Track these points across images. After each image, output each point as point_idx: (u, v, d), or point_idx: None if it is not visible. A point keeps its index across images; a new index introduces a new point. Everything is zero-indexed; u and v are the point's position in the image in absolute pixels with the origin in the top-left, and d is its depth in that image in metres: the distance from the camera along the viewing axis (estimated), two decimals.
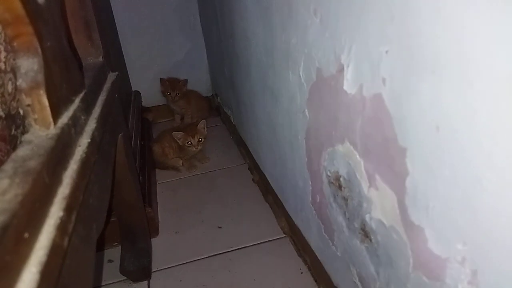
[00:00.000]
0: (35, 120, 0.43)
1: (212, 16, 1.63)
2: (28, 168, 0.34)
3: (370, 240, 0.63)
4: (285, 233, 1.15)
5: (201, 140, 1.53)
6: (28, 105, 0.43)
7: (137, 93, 1.96)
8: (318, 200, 0.85)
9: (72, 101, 0.54)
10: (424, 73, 0.42)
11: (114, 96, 0.85)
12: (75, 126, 0.50)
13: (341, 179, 0.70)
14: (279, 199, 1.18)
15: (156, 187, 1.47)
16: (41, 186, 0.33)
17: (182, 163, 1.58)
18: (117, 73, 0.93)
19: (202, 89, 2.13)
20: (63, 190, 0.37)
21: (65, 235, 0.33)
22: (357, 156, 0.61)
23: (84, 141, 0.50)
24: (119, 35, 1.82)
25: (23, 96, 0.43)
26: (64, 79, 0.52)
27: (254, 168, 1.45)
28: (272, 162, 1.20)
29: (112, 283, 1.02)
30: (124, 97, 1.51)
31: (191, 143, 1.51)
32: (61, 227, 0.32)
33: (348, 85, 0.58)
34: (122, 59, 1.79)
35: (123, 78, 1.66)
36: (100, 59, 0.88)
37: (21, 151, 0.37)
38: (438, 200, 0.45)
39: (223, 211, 1.29)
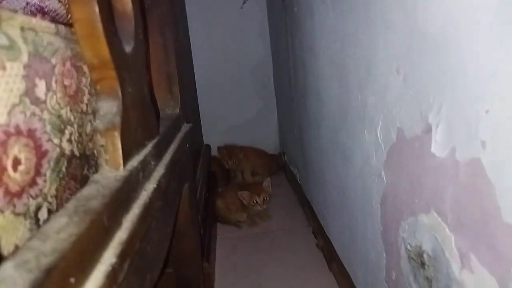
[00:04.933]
0: (106, 161, 0.43)
1: (286, 76, 1.67)
2: (89, 207, 0.32)
3: None
4: None
5: (267, 199, 1.50)
6: (102, 146, 0.43)
7: (208, 146, 2.02)
8: (393, 278, 0.74)
9: (144, 146, 0.54)
10: None
11: (186, 146, 0.86)
12: (143, 170, 0.50)
13: (425, 255, 0.60)
14: (345, 269, 1.07)
15: (215, 242, 1.43)
16: (99, 227, 0.31)
17: (246, 217, 1.55)
18: (191, 124, 0.95)
19: (270, 146, 2.14)
20: (121, 235, 0.35)
21: (114, 285, 0.30)
22: (447, 229, 0.52)
23: (150, 186, 0.49)
24: (197, 90, 1.93)
25: (98, 137, 0.43)
26: (140, 124, 0.53)
27: (319, 232, 1.36)
28: (340, 228, 1.11)
29: None
30: (195, 149, 1.55)
31: (257, 201, 1.49)
32: (112, 276, 0.30)
33: (437, 148, 0.52)
34: (197, 112, 1.88)
35: (196, 130, 1.73)
36: (177, 110, 0.92)
37: (86, 191, 0.37)
38: None
39: (282, 277, 1.20)
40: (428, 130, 0.54)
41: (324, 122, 1.13)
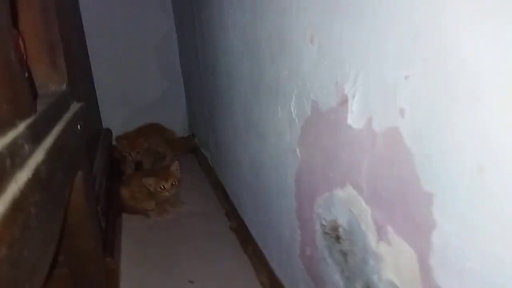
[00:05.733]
0: None
1: (193, 53, 1.57)
2: None
3: None
4: None
5: (175, 184, 1.41)
6: None
7: (108, 131, 1.83)
8: (308, 253, 0.73)
9: (14, 126, 0.42)
10: (462, 101, 0.34)
11: (75, 128, 0.73)
12: (12, 156, 0.38)
13: (340, 229, 0.59)
14: (260, 250, 1.06)
15: (120, 234, 1.31)
16: None
17: (155, 205, 1.44)
18: (82, 103, 0.82)
19: (179, 129, 2.03)
20: None
21: None
22: (363, 202, 0.52)
23: (22, 176, 0.38)
24: (92, 71, 1.72)
25: None
26: (5, 97, 0.41)
27: (232, 214, 1.32)
28: (254, 208, 1.08)
29: None
30: (93, 133, 1.38)
31: (164, 187, 1.39)
32: None
33: (353, 119, 0.50)
34: (93, 94, 1.68)
35: (93, 113, 1.55)
36: (64, 87, 0.78)
37: None
38: (477, 261, 0.35)
39: (196, 263, 1.14)
40: (344, 101, 0.52)
41: (236, 100, 1.07)
